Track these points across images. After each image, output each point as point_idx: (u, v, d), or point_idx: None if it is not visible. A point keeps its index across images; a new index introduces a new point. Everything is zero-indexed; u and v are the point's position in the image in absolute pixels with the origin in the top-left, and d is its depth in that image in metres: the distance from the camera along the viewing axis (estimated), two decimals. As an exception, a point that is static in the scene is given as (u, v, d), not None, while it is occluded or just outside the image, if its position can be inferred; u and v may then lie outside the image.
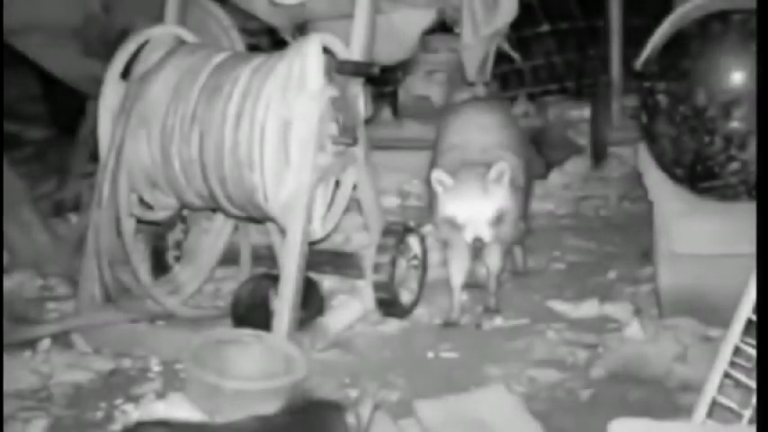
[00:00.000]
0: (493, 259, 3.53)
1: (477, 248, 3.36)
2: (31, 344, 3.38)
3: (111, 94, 3.53)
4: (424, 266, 3.67)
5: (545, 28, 5.53)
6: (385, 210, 3.78)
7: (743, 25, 3.19)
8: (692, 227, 3.26)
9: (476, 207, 3.28)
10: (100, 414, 3.00)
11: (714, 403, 2.44)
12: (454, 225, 3.32)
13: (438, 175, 3.34)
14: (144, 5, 3.97)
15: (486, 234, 3.28)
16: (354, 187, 3.51)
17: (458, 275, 3.52)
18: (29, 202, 4.01)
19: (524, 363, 3.20)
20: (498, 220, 3.31)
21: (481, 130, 3.56)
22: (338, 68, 3.33)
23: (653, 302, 3.48)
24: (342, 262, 3.70)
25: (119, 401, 3.05)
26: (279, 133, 3.25)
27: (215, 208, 3.55)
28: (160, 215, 3.58)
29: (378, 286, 3.47)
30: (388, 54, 4.13)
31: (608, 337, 3.31)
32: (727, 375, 2.45)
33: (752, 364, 2.40)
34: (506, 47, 4.60)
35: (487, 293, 3.58)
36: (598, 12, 5.42)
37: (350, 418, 2.53)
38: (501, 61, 4.81)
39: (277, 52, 3.44)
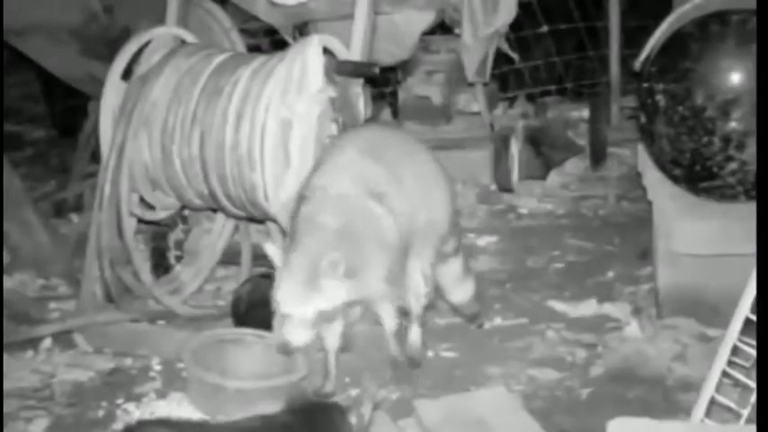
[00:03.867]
0: (385, 318, 3.05)
1: (284, 353, 2.82)
2: (33, 343, 3.39)
3: (112, 94, 3.54)
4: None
5: (544, 28, 5.53)
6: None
7: (742, 25, 3.19)
8: (691, 227, 3.26)
9: (295, 306, 2.77)
10: (101, 413, 3.01)
11: (713, 402, 2.45)
12: None
13: (270, 250, 2.85)
14: (145, 6, 3.98)
15: (299, 338, 2.76)
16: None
17: (331, 338, 2.99)
18: (30, 202, 4.01)
19: (524, 362, 3.21)
20: (329, 317, 2.85)
21: (349, 173, 2.94)
22: (338, 69, 3.34)
23: (652, 302, 3.48)
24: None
25: (120, 400, 3.06)
26: (279, 133, 3.26)
27: (215, 208, 3.56)
28: (161, 215, 3.60)
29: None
30: (388, 54, 4.14)
31: (607, 337, 3.32)
32: (725, 375, 2.46)
33: (750, 364, 2.41)
34: (506, 47, 4.62)
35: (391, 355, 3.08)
36: (597, 12, 5.44)
37: (352, 418, 2.54)
38: (500, 62, 4.82)
39: (277, 53, 3.45)
